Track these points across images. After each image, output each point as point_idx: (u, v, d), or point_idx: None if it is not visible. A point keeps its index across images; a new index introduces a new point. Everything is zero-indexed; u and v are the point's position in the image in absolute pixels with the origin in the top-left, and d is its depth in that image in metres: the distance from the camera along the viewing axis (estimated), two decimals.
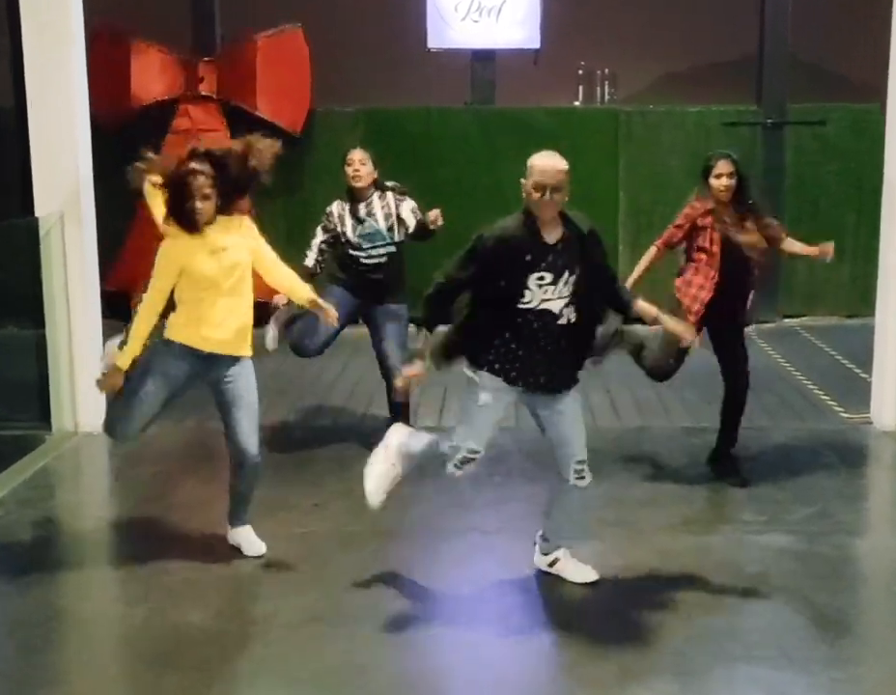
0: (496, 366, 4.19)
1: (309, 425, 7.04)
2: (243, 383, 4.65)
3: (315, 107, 10.68)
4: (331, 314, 4.78)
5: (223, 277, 4.52)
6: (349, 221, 6.09)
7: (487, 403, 4.20)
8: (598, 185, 10.64)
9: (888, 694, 3.68)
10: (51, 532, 5.23)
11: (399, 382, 4.53)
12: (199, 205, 4.45)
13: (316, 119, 10.68)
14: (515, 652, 4.01)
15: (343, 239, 6.13)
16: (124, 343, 4.61)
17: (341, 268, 6.21)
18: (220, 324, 4.55)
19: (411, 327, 5.72)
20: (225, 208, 4.55)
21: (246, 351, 4.68)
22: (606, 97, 73.25)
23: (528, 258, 4.06)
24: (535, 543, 4.64)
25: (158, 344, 4.62)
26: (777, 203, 10.66)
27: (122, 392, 4.62)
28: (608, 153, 10.73)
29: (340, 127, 10.76)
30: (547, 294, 4.11)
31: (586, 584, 4.50)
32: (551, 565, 4.58)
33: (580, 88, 76.80)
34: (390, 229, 6.08)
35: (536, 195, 4.01)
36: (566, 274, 4.11)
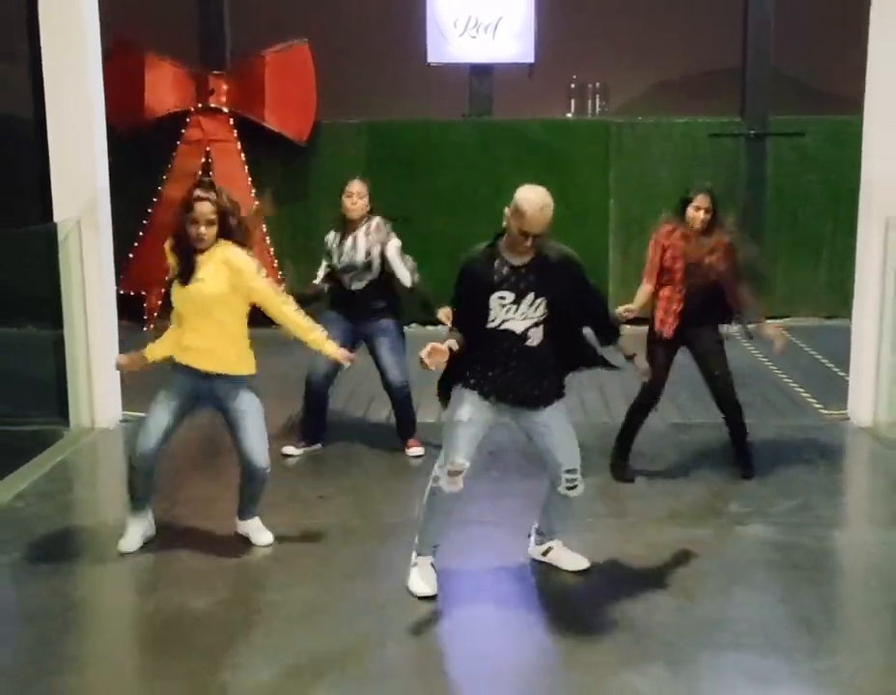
0: (472, 382, 4.18)
1: None
2: (243, 399, 4.62)
3: (320, 119, 10.68)
4: (345, 355, 4.79)
5: (188, 305, 4.50)
6: (335, 251, 6.03)
7: (467, 419, 4.16)
8: (589, 195, 10.63)
9: (865, 684, 3.65)
10: (68, 524, 5.19)
11: (425, 353, 3.90)
12: (203, 230, 4.42)
13: (321, 130, 10.67)
14: (511, 639, 3.99)
15: (329, 269, 6.08)
16: None
17: (333, 293, 6.15)
18: (199, 347, 4.54)
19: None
20: (227, 235, 4.51)
21: (242, 370, 4.64)
22: (597, 109, 73.33)
23: (493, 278, 4.05)
24: (529, 535, 4.62)
25: (172, 362, 4.67)
26: (759, 212, 10.66)
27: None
28: (600, 164, 10.71)
29: (344, 138, 10.75)
30: (509, 314, 4.08)
31: (580, 574, 4.47)
32: (545, 554, 4.56)
33: (572, 101, 76.90)
34: (366, 266, 5.95)
35: (520, 237, 3.98)
36: (530, 296, 4.07)
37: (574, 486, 4.34)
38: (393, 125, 11.01)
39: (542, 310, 4.09)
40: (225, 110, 10.47)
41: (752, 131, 10.65)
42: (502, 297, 4.05)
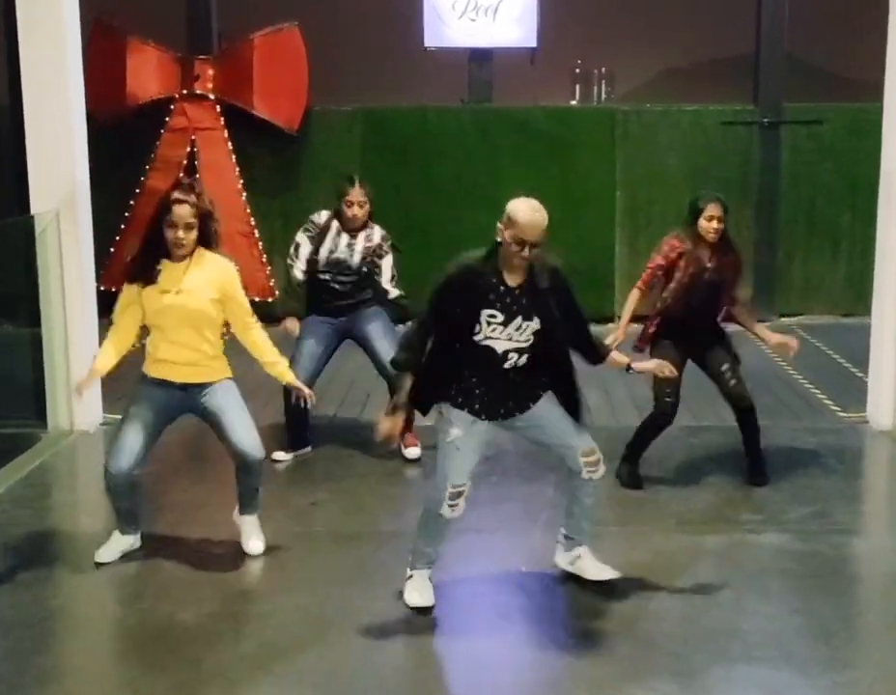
0: (459, 400, 4.20)
1: None
2: (222, 394, 4.61)
3: (312, 106, 10.65)
4: (306, 393, 4.83)
5: (168, 317, 4.48)
6: (329, 239, 6.03)
7: (458, 437, 4.18)
8: (595, 185, 10.63)
9: None
10: (46, 531, 5.19)
11: (379, 437, 4.26)
12: (181, 234, 4.38)
13: (313, 117, 10.65)
14: (512, 651, 3.99)
15: (314, 255, 6.02)
16: None
17: (313, 293, 6.12)
18: (177, 361, 4.53)
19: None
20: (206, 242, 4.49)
21: (217, 377, 4.63)
22: (603, 95, 73.30)
23: (489, 295, 4.07)
24: (557, 542, 4.61)
25: (141, 373, 4.63)
26: (773, 202, 10.68)
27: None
28: (605, 153, 10.70)
29: (337, 126, 10.74)
30: (494, 333, 4.11)
31: (583, 583, 4.47)
32: (572, 563, 4.55)
33: (577, 87, 76.88)
34: (358, 270, 6.03)
35: (515, 248, 4.01)
36: (518, 319, 4.10)
37: (595, 469, 4.36)
38: (388, 113, 11.00)
39: (527, 334, 4.14)
40: (211, 97, 10.44)
41: (766, 119, 10.66)
42: (492, 316, 4.09)
